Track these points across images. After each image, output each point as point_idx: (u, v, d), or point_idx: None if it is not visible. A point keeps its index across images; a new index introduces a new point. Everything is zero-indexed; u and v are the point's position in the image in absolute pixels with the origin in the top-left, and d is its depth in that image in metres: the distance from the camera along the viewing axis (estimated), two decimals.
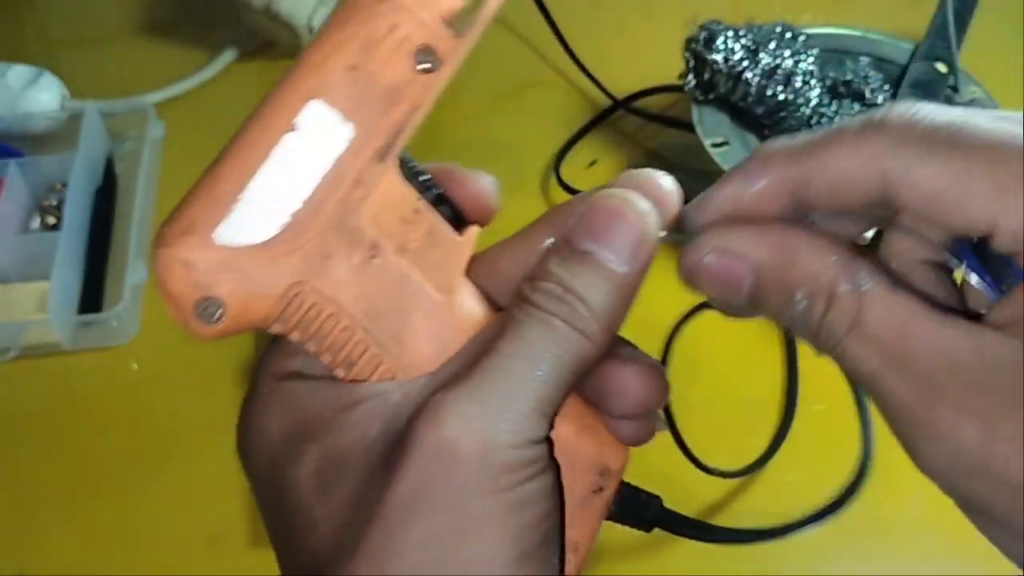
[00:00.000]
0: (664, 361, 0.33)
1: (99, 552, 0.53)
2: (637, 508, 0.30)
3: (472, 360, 0.25)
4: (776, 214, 0.25)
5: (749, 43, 0.65)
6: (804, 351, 0.59)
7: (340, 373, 0.26)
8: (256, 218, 0.25)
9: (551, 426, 0.26)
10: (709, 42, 0.65)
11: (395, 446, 0.24)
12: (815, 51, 0.68)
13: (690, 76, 0.67)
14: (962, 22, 0.70)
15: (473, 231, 0.28)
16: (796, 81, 0.65)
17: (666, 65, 0.70)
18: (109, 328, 0.61)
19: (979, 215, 0.21)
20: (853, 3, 0.88)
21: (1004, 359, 0.21)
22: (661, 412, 0.30)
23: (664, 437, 0.46)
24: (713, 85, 0.66)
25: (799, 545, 0.50)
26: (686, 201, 0.28)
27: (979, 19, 0.71)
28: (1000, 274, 0.23)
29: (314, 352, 0.26)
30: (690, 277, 0.26)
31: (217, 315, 0.25)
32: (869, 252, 0.25)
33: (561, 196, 0.69)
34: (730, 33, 0.65)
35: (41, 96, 0.74)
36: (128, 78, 0.81)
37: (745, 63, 0.65)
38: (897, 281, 0.23)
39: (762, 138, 0.68)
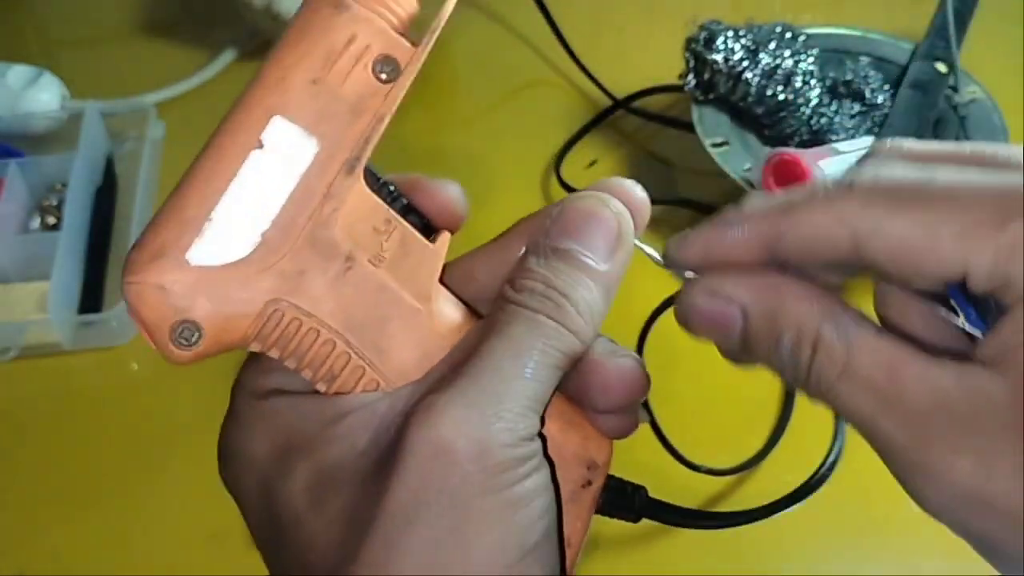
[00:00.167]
0: (640, 353, 0.33)
1: (99, 552, 0.53)
2: (624, 500, 0.30)
3: (459, 363, 0.26)
4: (750, 263, 0.26)
5: (749, 43, 0.65)
6: None
7: (322, 387, 0.26)
8: (228, 237, 0.25)
9: (542, 422, 0.26)
10: (709, 42, 0.65)
11: (387, 454, 0.24)
12: (815, 51, 0.68)
13: (690, 76, 0.67)
14: (962, 22, 0.70)
15: (445, 237, 0.28)
16: (796, 81, 0.65)
17: (666, 65, 0.70)
18: (109, 328, 0.61)
19: (949, 260, 0.22)
20: (853, 3, 0.88)
21: (994, 396, 0.21)
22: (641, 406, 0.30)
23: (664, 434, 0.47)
24: (713, 85, 0.66)
25: (785, 528, 0.51)
26: (653, 201, 0.29)
27: (979, 19, 0.71)
28: (987, 312, 0.24)
29: (294, 368, 0.26)
30: (684, 319, 0.27)
31: (194, 338, 0.25)
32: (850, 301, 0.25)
33: (561, 196, 0.69)
34: (730, 33, 0.65)
35: (41, 96, 0.74)
36: (128, 78, 0.82)
37: (745, 63, 0.65)
38: (882, 327, 0.24)
39: (762, 138, 0.68)
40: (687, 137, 0.68)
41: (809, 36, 0.69)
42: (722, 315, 0.25)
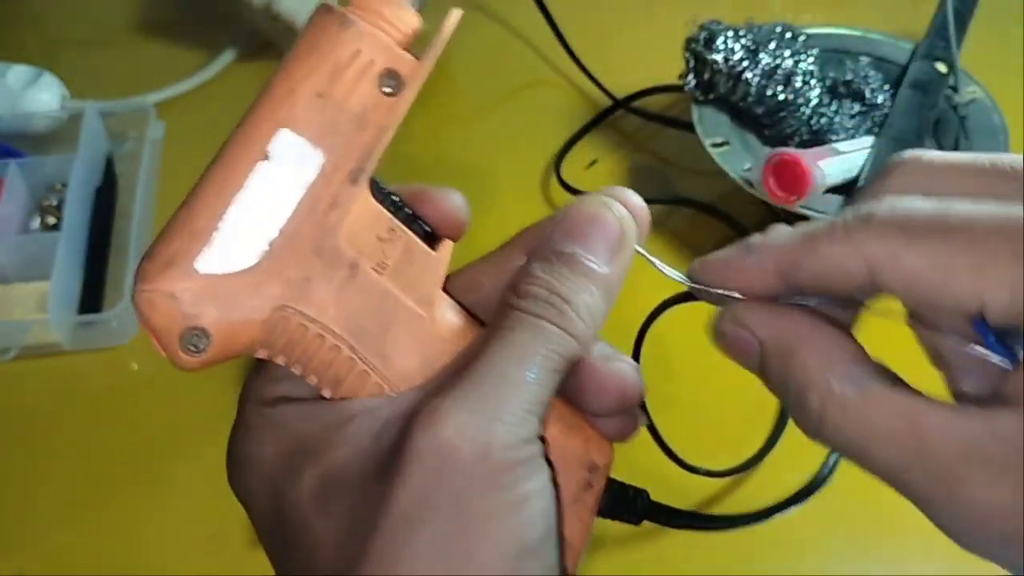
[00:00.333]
0: (637, 357, 0.34)
1: (99, 552, 0.53)
2: (626, 502, 0.30)
3: (462, 368, 0.26)
4: (765, 291, 0.26)
5: (749, 43, 0.65)
6: None
7: (327, 392, 0.27)
8: (236, 246, 0.25)
9: (543, 425, 0.26)
10: (709, 42, 0.65)
11: (391, 457, 0.25)
12: (815, 51, 0.68)
13: (690, 76, 0.67)
14: (962, 22, 0.70)
15: (448, 246, 0.29)
16: (796, 81, 0.65)
17: (666, 65, 0.70)
18: (109, 328, 0.61)
19: (966, 294, 0.22)
20: (853, 3, 0.88)
21: (1020, 435, 0.21)
22: (639, 408, 0.30)
23: (664, 434, 0.47)
24: (713, 85, 0.66)
25: (785, 530, 0.51)
26: (653, 201, 0.30)
27: (979, 19, 0.71)
28: (1014, 345, 0.24)
29: (300, 374, 0.27)
30: (714, 340, 0.27)
31: (203, 345, 0.25)
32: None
33: (561, 196, 0.69)
34: (730, 33, 0.66)
35: (41, 96, 0.74)
36: (128, 78, 0.82)
37: (745, 63, 0.65)
38: (897, 378, 0.24)
39: (762, 138, 0.68)
40: (687, 137, 0.68)
41: (809, 36, 0.69)
42: (745, 344, 0.26)
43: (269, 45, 0.82)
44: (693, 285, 0.27)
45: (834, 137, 0.65)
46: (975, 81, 0.68)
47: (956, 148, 0.65)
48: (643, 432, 0.39)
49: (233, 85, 0.81)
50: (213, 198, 0.25)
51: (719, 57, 0.65)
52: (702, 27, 0.67)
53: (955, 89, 0.67)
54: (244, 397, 0.29)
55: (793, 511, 0.48)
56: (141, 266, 0.25)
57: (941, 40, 0.69)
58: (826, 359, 0.24)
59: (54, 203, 0.68)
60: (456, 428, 0.24)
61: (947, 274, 0.22)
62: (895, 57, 0.71)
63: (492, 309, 0.28)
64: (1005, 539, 0.22)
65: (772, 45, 0.66)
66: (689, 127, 0.67)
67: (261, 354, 0.26)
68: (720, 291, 0.27)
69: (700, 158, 0.64)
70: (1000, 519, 0.21)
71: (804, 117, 0.66)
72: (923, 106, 0.66)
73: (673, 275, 0.28)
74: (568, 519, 0.28)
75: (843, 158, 0.62)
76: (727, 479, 0.53)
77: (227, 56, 0.82)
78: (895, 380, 0.24)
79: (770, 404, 0.57)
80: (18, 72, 0.75)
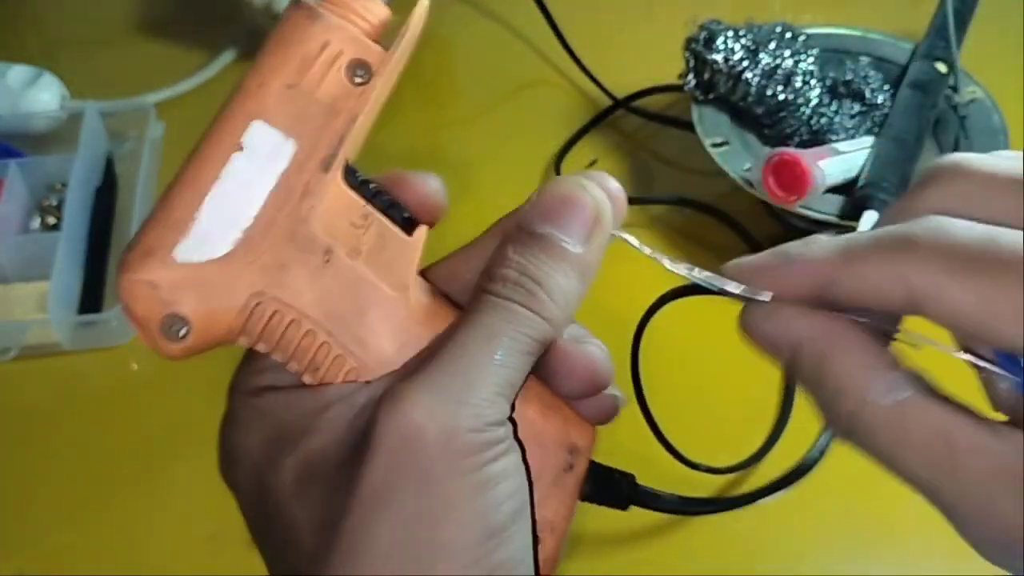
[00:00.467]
0: (636, 351, 0.34)
1: (99, 552, 0.53)
2: (611, 487, 0.31)
3: (431, 352, 0.26)
4: (797, 299, 0.25)
5: (749, 43, 0.65)
6: None
7: (308, 379, 0.27)
8: (211, 235, 0.26)
9: (512, 407, 0.26)
10: (709, 42, 0.65)
11: (361, 442, 0.25)
12: (815, 51, 0.68)
13: (690, 76, 0.67)
14: (962, 22, 0.70)
15: (422, 231, 0.29)
16: (796, 81, 0.65)
17: (666, 65, 0.70)
18: (109, 328, 0.61)
19: (1006, 335, 0.22)
20: (853, 3, 0.88)
21: None
22: (617, 390, 0.30)
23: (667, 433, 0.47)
24: (713, 85, 0.66)
25: (784, 536, 0.51)
26: (653, 201, 0.29)
27: (979, 19, 0.71)
28: None
29: (281, 361, 0.27)
30: (743, 332, 0.27)
31: (182, 332, 0.26)
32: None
33: None
34: (730, 33, 0.66)
35: (41, 96, 0.74)
36: (128, 78, 0.81)
37: (745, 63, 0.65)
38: (932, 387, 0.24)
39: (762, 138, 0.68)
40: (687, 137, 0.68)
41: (809, 36, 0.69)
42: (778, 342, 0.25)
43: None
44: (697, 277, 0.27)
45: (834, 137, 0.65)
46: (975, 81, 0.68)
47: (956, 148, 0.65)
48: (642, 427, 0.39)
49: (233, 85, 0.81)
50: (190, 190, 0.26)
51: (719, 57, 0.65)
52: (702, 27, 0.67)
53: (955, 89, 0.67)
54: (232, 388, 0.29)
55: (780, 495, 0.48)
56: (123, 257, 0.26)
57: (941, 40, 0.69)
58: (863, 365, 0.24)
59: (54, 203, 0.68)
60: (420, 410, 0.24)
61: (992, 313, 0.22)
62: (895, 57, 0.71)
63: (469, 297, 0.28)
64: None
65: (772, 45, 0.66)
66: (689, 127, 0.67)
67: (242, 342, 0.27)
68: (734, 290, 0.26)
69: (700, 158, 0.64)
70: None
71: (804, 117, 0.66)
72: (923, 106, 0.66)
73: (659, 258, 0.28)
74: (549, 501, 0.28)
75: (843, 158, 0.62)
76: (727, 477, 0.53)
77: (227, 56, 0.82)
78: (931, 390, 0.24)
79: (770, 402, 0.57)
80: (18, 72, 0.75)
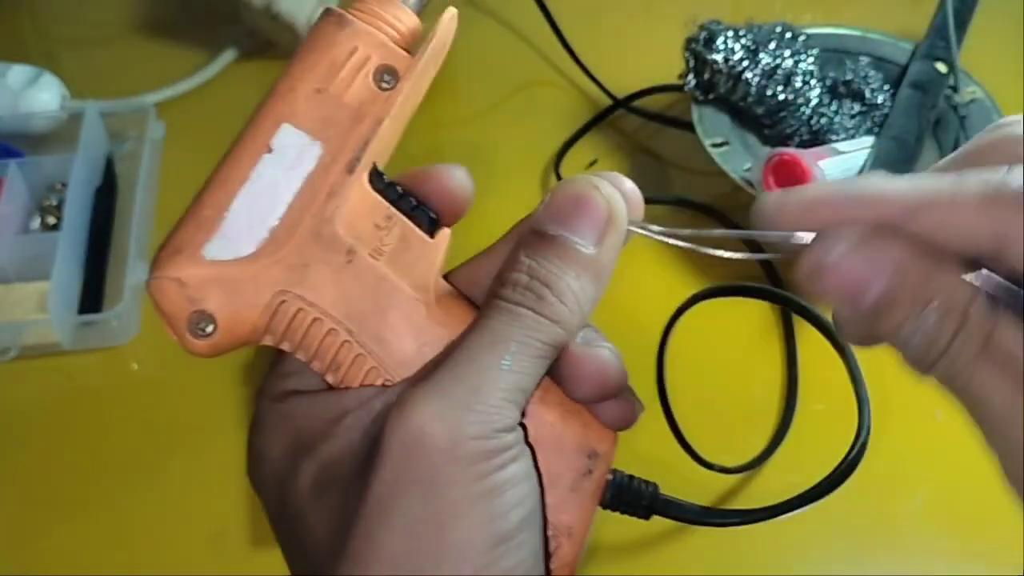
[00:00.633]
0: (662, 354, 0.33)
1: (99, 552, 0.53)
2: (633, 495, 0.30)
3: (442, 358, 0.26)
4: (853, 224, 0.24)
5: (749, 43, 0.65)
6: (805, 350, 0.59)
7: (330, 378, 0.28)
8: (239, 234, 0.27)
9: (524, 413, 0.26)
10: (709, 42, 0.65)
11: (373, 448, 0.25)
12: (815, 51, 0.68)
13: (690, 76, 0.67)
14: (962, 22, 0.70)
15: (445, 232, 0.30)
16: (796, 81, 0.65)
17: (666, 65, 0.70)
18: (109, 328, 0.61)
19: None
20: (853, 3, 0.88)
21: None
22: (635, 395, 0.30)
23: (665, 434, 0.46)
24: (713, 85, 0.66)
25: (788, 532, 0.51)
26: (653, 201, 0.29)
27: (979, 19, 0.71)
28: None
29: (305, 360, 0.28)
30: (811, 277, 0.24)
31: (209, 329, 0.27)
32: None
33: None
34: (730, 33, 0.66)
35: (41, 96, 0.74)
36: (128, 78, 0.81)
37: (745, 63, 0.65)
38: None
39: (762, 138, 0.68)
40: (687, 137, 0.68)
41: (809, 36, 0.69)
42: (862, 276, 0.23)
43: (269, 45, 0.82)
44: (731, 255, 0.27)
45: (834, 137, 0.65)
46: (975, 81, 0.68)
47: (956, 148, 0.65)
48: (655, 426, 0.39)
49: (233, 85, 0.81)
50: (220, 190, 0.27)
51: (719, 57, 0.65)
52: (702, 27, 0.67)
53: (955, 89, 0.67)
54: (260, 394, 0.29)
55: (807, 509, 0.47)
56: (155, 256, 0.27)
57: (941, 40, 0.69)
58: (965, 284, 0.23)
59: (54, 203, 0.68)
60: (426, 417, 0.24)
61: None
62: (895, 57, 0.71)
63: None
64: None
65: (772, 45, 0.66)
66: (689, 127, 0.67)
67: (267, 340, 0.27)
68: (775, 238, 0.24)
69: (700, 158, 0.64)
70: None
71: (804, 117, 0.66)
72: (923, 106, 0.66)
73: (677, 242, 0.27)
74: (568, 506, 0.28)
75: (843, 158, 0.62)
76: (735, 476, 0.53)
77: (227, 56, 0.82)
78: (1017, 315, 0.23)
79: (775, 399, 0.57)
80: (18, 72, 0.75)
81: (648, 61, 0.77)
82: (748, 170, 0.62)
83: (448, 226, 0.30)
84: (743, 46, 0.65)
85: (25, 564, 0.53)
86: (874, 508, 0.52)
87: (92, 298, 0.64)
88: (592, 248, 0.27)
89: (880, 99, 0.67)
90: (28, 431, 0.59)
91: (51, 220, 0.67)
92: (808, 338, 0.59)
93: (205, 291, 0.26)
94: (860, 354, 0.35)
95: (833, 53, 0.71)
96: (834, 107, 0.66)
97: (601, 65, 0.78)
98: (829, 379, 0.56)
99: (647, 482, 0.31)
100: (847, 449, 0.36)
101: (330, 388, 0.28)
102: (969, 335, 0.23)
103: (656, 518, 0.31)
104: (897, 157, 0.62)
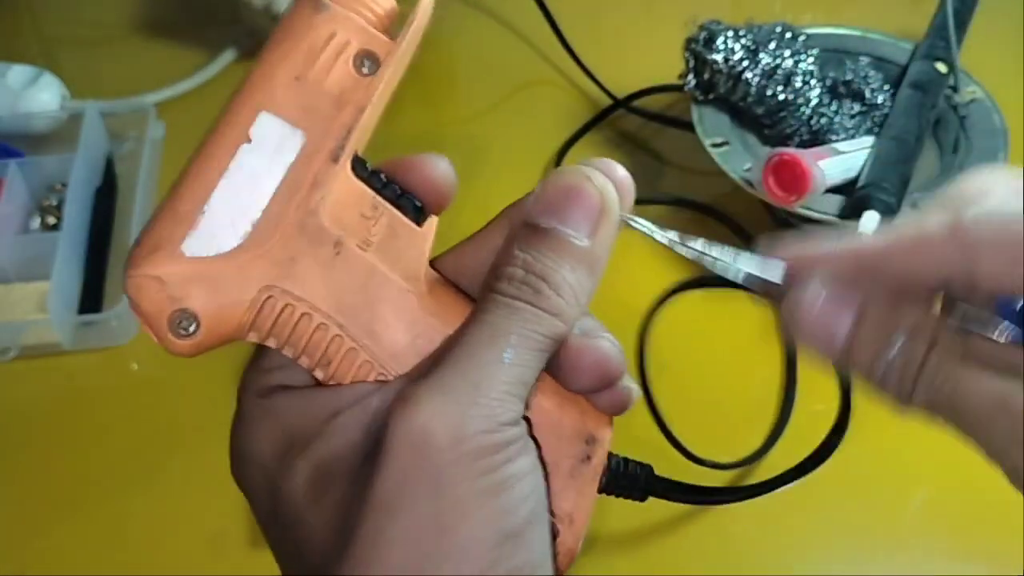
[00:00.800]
0: (642, 343, 0.33)
1: (99, 552, 0.53)
2: (629, 478, 0.30)
3: (442, 354, 0.26)
4: (835, 271, 0.25)
5: (749, 43, 0.65)
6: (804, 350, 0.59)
7: (320, 374, 0.27)
8: (220, 229, 0.26)
9: (526, 406, 0.26)
10: (709, 42, 0.65)
11: (374, 447, 0.25)
12: (815, 51, 0.68)
13: (690, 76, 0.67)
14: (962, 22, 0.70)
15: (432, 221, 0.29)
16: (796, 81, 0.65)
17: (666, 65, 0.70)
18: (109, 328, 0.61)
19: None
20: (853, 3, 0.88)
21: None
22: (631, 381, 0.30)
23: (656, 436, 0.47)
24: (713, 85, 0.66)
25: (796, 528, 0.51)
26: (652, 202, 0.29)
27: (979, 19, 0.71)
28: None
29: (292, 356, 0.27)
30: (788, 324, 0.26)
31: (192, 328, 0.26)
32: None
33: None
34: (730, 33, 0.65)
35: (41, 96, 0.74)
36: (128, 78, 0.82)
37: (745, 63, 0.65)
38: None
39: (762, 138, 0.68)
40: (687, 137, 0.68)
41: (809, 36, 0.69)
42: (830, 317, 0.25)
43: None
44: (690, 247, 0.27)
45: (834, 137, 0.65)
46: (975, 81, 0.68)
47: (956, 148, 0.65)
48: (647, 421, 0.39)
49: (233, 85, 0.80)
50: (197, 183, 0.26)
51: (719, 57, 0.65)
52: (702, 27, 0.67)
53: (955, 89, 0.67)
54: (242, 388, 0.29)
55: (796, 485, 0.47)
56: (130, 253, 0.26)
57: (941, 40, 0.69)
58: (926, 310, 0.24)
59: (54, 203, 0.68)
60: (430, 413, 0.24)
61: None
62: (895, 57, 0.71)
63: (478, 288, 0.28)
64: None
65: (772, 45, 0.66)
66: (689, 127, 0.67)
67: (252, 337, 0.27)
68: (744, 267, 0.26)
69: (700, 158, 0.64)
70: None
71: (804, 117, 0.66)
72: (923, 106, 0.66)
73: (665, 239, 0.28)
74: (567, 493, 0.28)
75: (843, 158, 0.62)
76: (730, 472, 0.53)
77: (227, 56, 0.82)
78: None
79: (771, 397, 0.57)
80: (18, 72, 0.75)
81: (648, 61, 0.77)
82: (748, 170, 0.62)
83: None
84: (743, 46, 0.65)
85: (24, 564, 0.53)
86: (874, 508, 0.52)
87: (92, 298, 0.64)
88: (586, 240, 0.27)
89: (880, 99, 0.67)
90: (28, 431, 0.59)
91: (51, 220, 0.67)
92: None
93: (187, 289, 0.25)
94: None
95: (833, 53, 0.71)
96: (834, 107, 0.66)
97: (601, 65, 0.78)
98: (829, 379, 0.56)
99: (641, 464, 0.31)
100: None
101: (318, 384, 0.27)
102: (945, 349, 0.24)
103: (651, 503, 0.31)
104: (897, 157, 0.62)
